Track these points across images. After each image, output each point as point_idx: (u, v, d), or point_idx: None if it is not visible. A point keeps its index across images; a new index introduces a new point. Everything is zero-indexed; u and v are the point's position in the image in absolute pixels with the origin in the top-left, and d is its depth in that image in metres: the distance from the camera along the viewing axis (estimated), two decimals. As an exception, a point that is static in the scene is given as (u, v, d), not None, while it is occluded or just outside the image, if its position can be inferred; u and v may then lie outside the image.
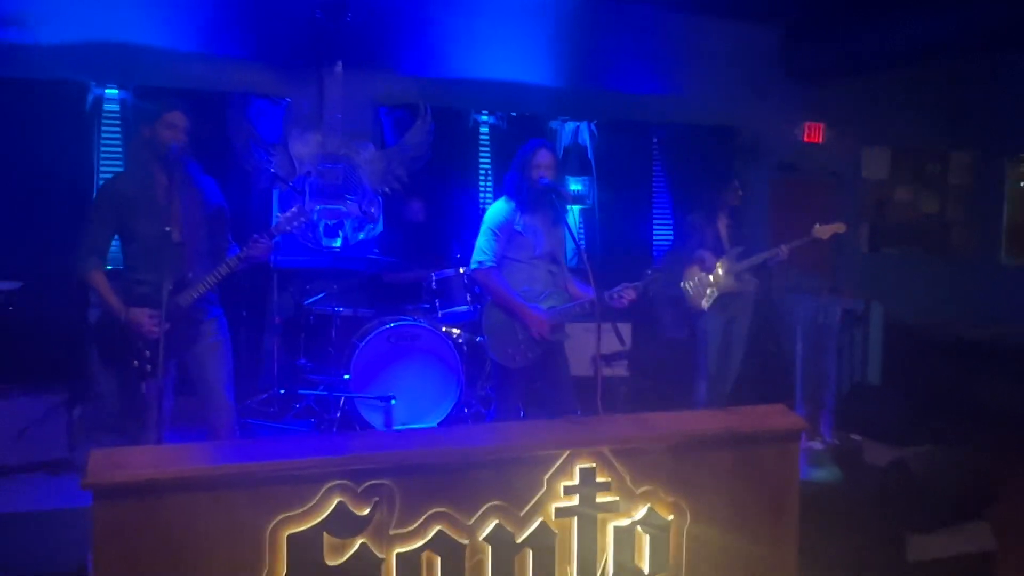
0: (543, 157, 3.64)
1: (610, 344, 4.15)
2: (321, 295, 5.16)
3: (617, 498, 2.56)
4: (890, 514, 3.11)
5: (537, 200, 3.62)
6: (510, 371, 3.62)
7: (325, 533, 2.25)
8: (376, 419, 4.59)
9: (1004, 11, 5.60)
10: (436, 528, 2.36)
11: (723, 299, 4.84)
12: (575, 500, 2.51)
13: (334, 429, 4.67)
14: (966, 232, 7.95)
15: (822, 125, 7.25)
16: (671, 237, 6.81)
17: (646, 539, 2.59)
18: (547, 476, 2.49)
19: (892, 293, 6.73)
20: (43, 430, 4.28)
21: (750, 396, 5.39)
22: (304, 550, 2.22)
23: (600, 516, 2.55)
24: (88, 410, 4.35)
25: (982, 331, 6.67)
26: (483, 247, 3.62)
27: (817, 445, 3.11)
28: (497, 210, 3.68)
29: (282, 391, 5.14)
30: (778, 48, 7.00)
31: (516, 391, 3.70)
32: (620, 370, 5.49)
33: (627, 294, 3.60)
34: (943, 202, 7.88)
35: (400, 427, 4.57)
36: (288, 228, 3.33)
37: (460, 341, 4.97)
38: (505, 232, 3.61)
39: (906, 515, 3.18)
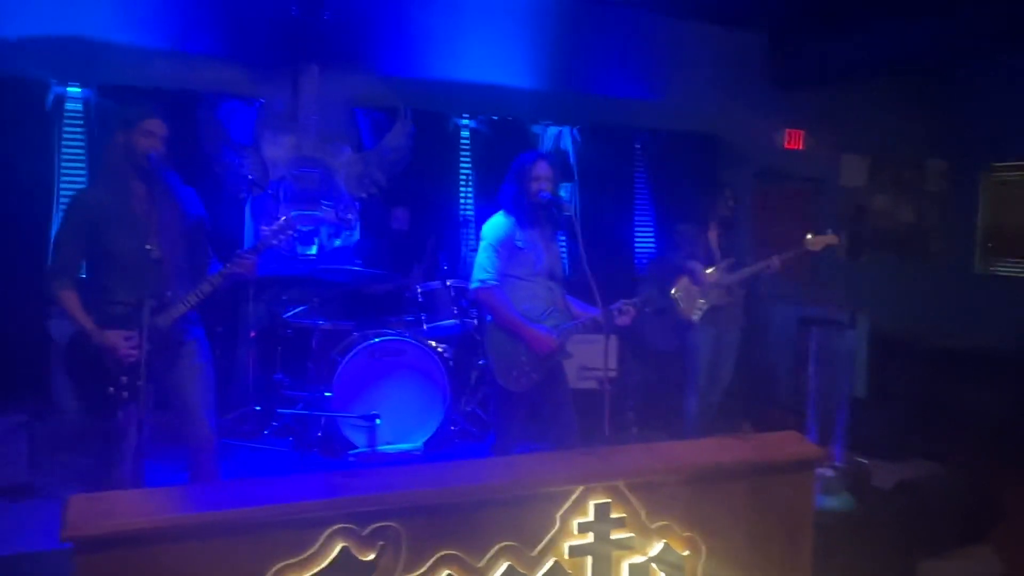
0: (542, 169, 3.52)
1: (597, 359, 4.07)
2: (300, 307, 4.94)
3: (633, 534, 2.44)
4: (900, 540, 3.04)
5: (536, 215, 3.50)
6: (511, 394, 3.48)
7: (327, 581, 2.08)
8: (359, 438, 4.40)
9: (982, 22, 5.64)
10: (445, 572, 2.21)
11: (713, 311, 4.77)
12: (589, 537, 2.39)
13: (314, 449, 4.48)
14: (941, 240, 8.03)
15: (802, 132, 7.24)
16: (653, 245, 6.73)
17: (661, 577, 2.48)
18: (560, 513, 2.36)
19: (870, 303, 6.74)
20: (0, 452, 4.00)
21: (738, 407, 5.35)
22: (305, 600, 2.06)
23: (615, 554, 2.43)
24: (51, 431, 4.08)
25: (956, 339, 6.71)
26: (484, 265, 3.46)
27: (828, 472, 3.02)
28: (496, 225, 3.53)
29: (257, 408, 4.92)
30: (761, 55, 6.98)
31: (517, 415, 3.56)
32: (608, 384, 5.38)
33: (628, 311, 3.50)
34: (919, 210, 7.95)
35: (385, 447, 4.40)
36: (275, 242, 3.13)
37: (446, 356, 4.80)
38: (506, 248, 3.46)
39: (915, 540, 3.11)
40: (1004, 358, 6.29)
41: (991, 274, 7.65)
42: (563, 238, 5.96)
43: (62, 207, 4.82)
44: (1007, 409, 5.59)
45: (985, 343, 6.60)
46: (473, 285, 3.48)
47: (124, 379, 2.84)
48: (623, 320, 3.47)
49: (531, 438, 4.07)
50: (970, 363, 6.37)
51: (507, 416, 3.57)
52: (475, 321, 4.84)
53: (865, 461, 3.21)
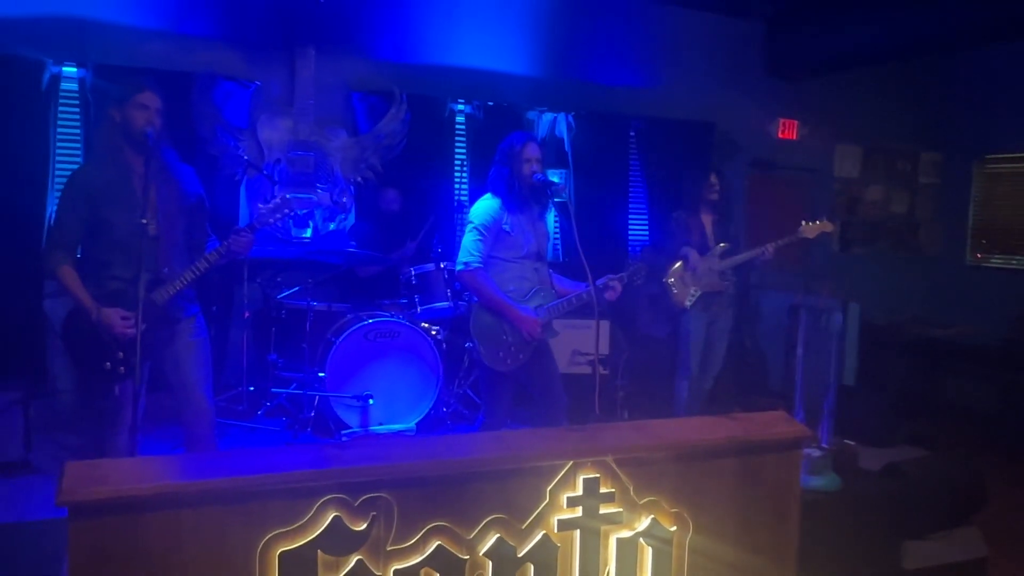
0: (533, 151, 3.52)
1: (589, 343, 4.10)
2: (294, 289, 4.97)
3: (620, 509, 2.47)
4: (886, 521, 3.08)
5: (526, 197, 3.51)
6: (499, 374, 3.50)
7: (319, 550, 2.11)
8: (352, 419, 4.43)
9: (976, 12, 5.66)
10: (435, 543, 2.24)
11: (705, 297, 4.80)
12: (578, 512, 2.42)
13: (308, 429, 4.51)
14: (934, 231, 8.08)
15: (796, 122, 7.27)
16: (646, 231, 6.76)
17: (648, 551, 2.52)
18: (550, 487, 2.39)
19: (861, 292, 6.78)
20: (-4, 428, 4.02)
21: (728, 393, 5.40)
22: (297, 568, 2.09)
23: (603, 528, 2.46)
24: (46, 408, 4.09)
25: (947, 330, 6.77)
26: (469, 247, 3.47)
27: (815, 452, 3.06)
28: (484, 208, 3.52)
29: (251, 388, 4.94)
30: (757, 43, 6.99)
31: (505, 395, 3.59)
32: (600, 368, 5.42)
33: (614, 286, 3.52)
34: (912, 201, 7.99)
35: (377, 427, 4.43)
36: (271, 220, 3.14)
37: (439, 338, 4.82)
38: (492, 231, 3.47)
39: (902, 521, 3.16)
40: (993, 349, 6.36)
41: (982, 265, 7.70)
42: (556, 220, 6.02)
43: (58, 186, 4.82)
44: (995, 398, 5.67)
45: (975, 334, 6.67)
46: (458, 267, 3.50)
47: (121, 354, 2.86)
48: (610, 295, 3.49)
49: (520, 419, 4.11)
50: (960, 353, 6.44)
51: (494, 396, 3.60)
52: (468, 304, 4.86)
53: (852, 443, 3.25)
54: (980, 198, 7.80)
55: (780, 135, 7.23)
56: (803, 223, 4.74)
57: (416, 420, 4.60)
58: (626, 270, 3.61)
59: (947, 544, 3.20)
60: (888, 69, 7.25)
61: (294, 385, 4.81)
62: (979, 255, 7.71)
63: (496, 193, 3.55)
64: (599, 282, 3.51)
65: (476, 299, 3.56)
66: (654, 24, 6.62)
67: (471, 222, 3.53)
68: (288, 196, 3.23)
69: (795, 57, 6.87)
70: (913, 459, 3.50)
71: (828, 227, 4.73)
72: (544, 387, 3.58)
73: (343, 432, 4.45)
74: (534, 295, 3.55)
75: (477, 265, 3.45)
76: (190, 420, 3.05)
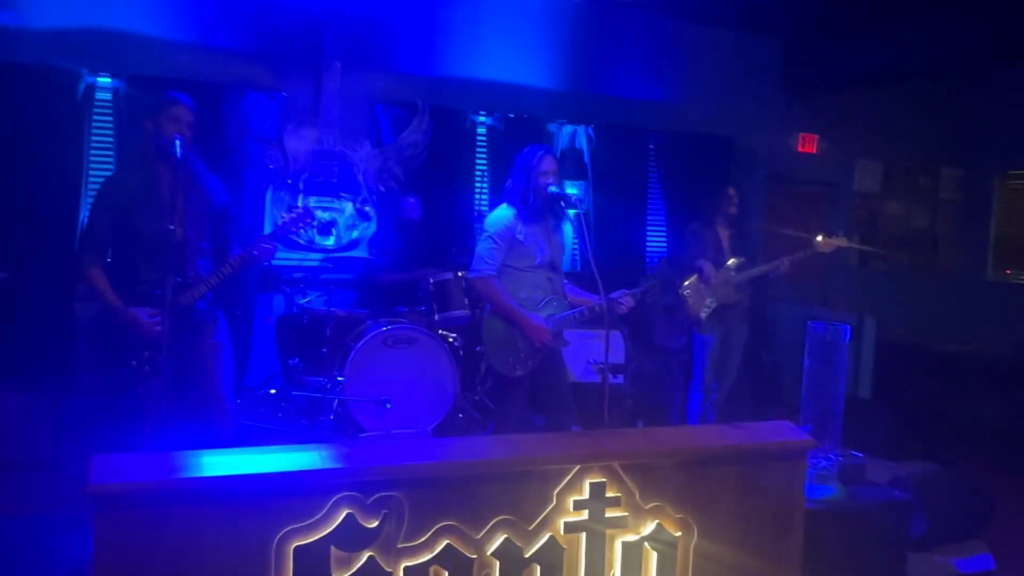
0: (548, 163, 3.58)
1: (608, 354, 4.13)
2: (316, 295, 5.08)
3: (626, 513, 2.53)
4: (892, 532, 3.11)
5: (541, 208, 3.57)
6: (511, 380, 3.57)
7: (332, 546, 2.19)
8: (370, 422, 4.52)
9: (998, 28, 5.66)
10: (444, 542, 2.31)
11: (721, 310, 4.84)
12: (584, 515, 2.48)
13: (327, 432, 4.60)
14: (954, 247, 8.04)
15: (816, 136, 7.29)
16: (664, 244, 6.81)
17: (653, 556, 2.57)
18: (557, 490, 2.45)
19: (880, 307, 6.78)
20: (27, 428, 4.15)
21: (742, 405, 5.41)
22: (311, 563, 2.17)
23: (609, 532, 2.52)
24: (76, 408, 4.23)
25: (967, 346, 6.74)
26: (484, 255, 3.56)
27: (821, 462, 3.10)
28: (499, 218, 3.61)
29: (273, 391, 5.05)
30: (777, 59, 7.03)
31: (517, 401, 3.65)
32: (611, 377, 5.47)
33: (625, 301, 3.56)
34: (933, 217, 7.96)
35: (394, 432, 4.51)
36: (293, 229, 3.26)
37: (456, 345, 4.91)
38: (506, 241, 3.55)
39: (907, 533, 3.18)
40: (1011, 366, 6.30)
41: (1004, 282, 7.65)
42: (575, 232, 6.07)
43: (91, 192, 4.97)
44: (1011, 415, 5.62)
45: (995, 350, 6.62)
46: (472, 274, 3.60)
47: (146, 354, 2.98)
48: (621, 309, 3.54)
49: (533, 427, 4.15)
50: (977, 369, 6.39)
51: (506, 402, 3.67)
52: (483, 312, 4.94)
53: (860, 455, 3.28)
54: (1001, 214, 7.76)
55: (800, 149, 7.25)
56: (819, 237, 4.77)
57: (432, 425, 4.68)
58: (640, 286, 3.64)
59: (953, 557, 3.21)
60: (909, 84, 7.25)
61: (314, 389, 4.91)
62: (1008, 271, 7.65)
63: (511, 203, 3.63)
64: (613, 296, 3.55)
65: (489, 306, 3.64)
66: (674, 39, 6.68)
67: (486, 231, 3.62)
68: (308, 206, 3.34)
69: (814, 73, 6.90)
70: (922, 474, 3.51)
71: (843, 242, 4.75)
72: (553, 394, 3.64)
73: (360, 435, 4.54)
74: (546, 304, 3.61)
75: (490, 273, 3.53)
76: (210, 419, 3.17)
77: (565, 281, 3.78)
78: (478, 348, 4.74)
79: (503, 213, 3.62)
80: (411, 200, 5.55)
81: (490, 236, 3.57)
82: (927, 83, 7.42)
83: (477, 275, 3.57)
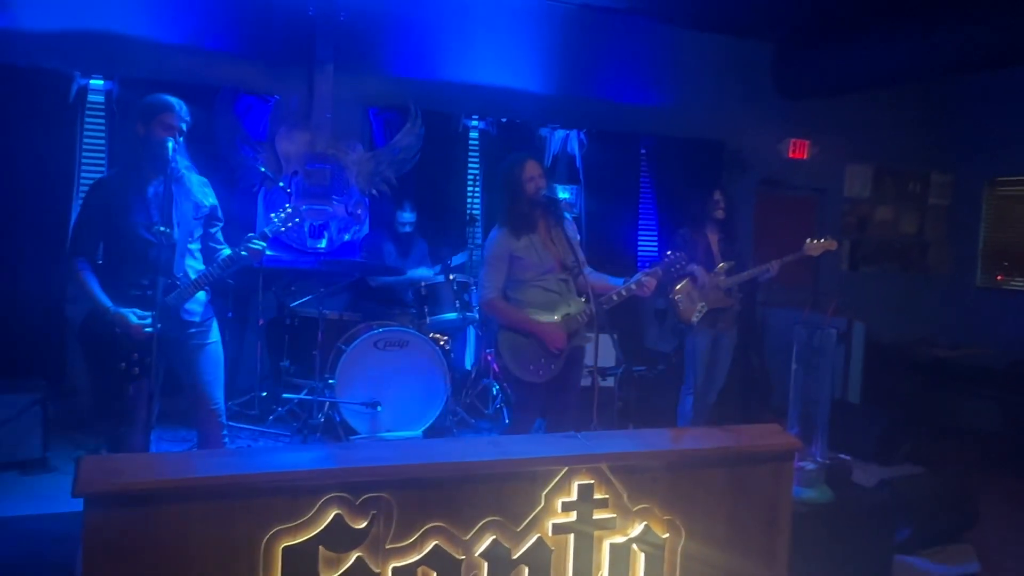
0: (533, 168, 3.54)
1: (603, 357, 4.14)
2: (307, 297, 5.08)
3: (614, 515, 2.54)
4: (878, 535, 3.13)
5: (535, 216, 3.54)
6: (530, 386, 3.56)
7: (321, 546, 2.20)
8: (361, 425, 4.53)
9: (989, 35, 5.71)
10: (432, 543, 2.32)
11: (711, 313, 4.85)
12: (572, 516, 2.49)
13: (317, 434, 4.61)
14: (944, 253, 8.09)
15: (807, 142, 7.33)
16: (655, 248, 6.83)
17: (641, 557, 2.58)
18: (545, 492, 2.46)
19: (869, 311, 6.81)
20: (16, 428, 4.14)
21: (732, 408, 5.44)
22: (299, 563, 2.17)
23: (597, 533, 2.53)
24: (64, 409, 4.22)
25: (956, 351, 6.78)
26: (483, 281, 3.60)
27: (808, 465, 3.12)
28: (491, 241, 3.62)
29: (264, 394, 5.05)
30: (768, 64, 7.07)
31: (536, 402, 3.64)
32: (601, 380, 5.48)
33: (648, 281, 3.51)
34: (922, 222, 8.02)
35: (385, 434, 4.52)
36: (282, 229, 3.27)
37: (447, 348, 4.92)
38: (503, 261, 3.55)
39: (893, 536, 3.20)
40: (999, 370, 6.36)
41: (993, 288, 7.70)
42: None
43: (82, 194, 4.97)
44: (998, 419, 5.67)
45: (982, 355, 6.67)
46: (475, 302, 3.62)
47: (136, 355, 2.98)
48: (643, 292, 3.51)
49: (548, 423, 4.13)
50: (965, 374, 6.44)
51: (525, 404, 3.65)
52: (476, 315, 4.95)
53: (847, 458, 3.30)
54: (990, 220, 7.82)
55: (790, 155, 7.29)
56: (808, 241, 4.80)
57: (423, 428, 4.69)
58: (661, 262, 3.59)
59: (938, 560, 3.23)
60: (900, 90, 7.30)
61: (305, 391, 4.92)
62: (1000, 276, 7.70)
63: (501, 223, 3.62)
64: (633, 279, 3.53)
65: (501, 323, 3.64)
66: (665, 44, 6.72)
67: (484, 257, 3.65)
68: (298, 207, 3.35)
69: (804, 78, 6.94)
70: (907, 475, 3.54)
71: (832, 245, 4.78)
72: (564, 396, 3.64)
73: (351, 438, 4.54)
74: (560, 306, 3.60)
75: (490, 296, 3.55)
76: (201, 421, 3.17)
77: (589, 269, 3.70)
78: (488, 351, 4.71)
79: (494, 235, 3.62)
80: (404, 206, 5.52)
81: (486, 260, 3.60)
82: (917, 89, 7.47)
83: (480, 301, 3.61)
